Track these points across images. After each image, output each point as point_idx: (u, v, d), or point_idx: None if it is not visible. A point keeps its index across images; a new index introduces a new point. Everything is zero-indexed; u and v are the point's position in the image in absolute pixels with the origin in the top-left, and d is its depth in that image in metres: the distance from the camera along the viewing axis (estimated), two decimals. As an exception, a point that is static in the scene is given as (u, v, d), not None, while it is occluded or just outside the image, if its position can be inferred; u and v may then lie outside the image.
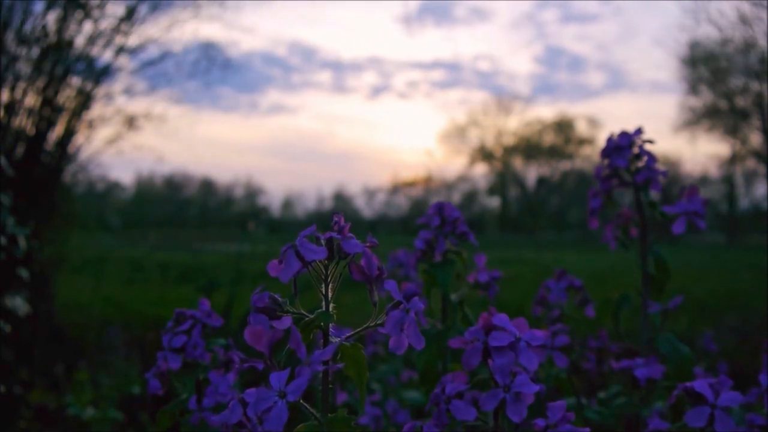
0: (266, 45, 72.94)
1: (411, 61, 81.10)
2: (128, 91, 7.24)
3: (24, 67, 6.09)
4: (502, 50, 74.08)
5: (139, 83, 7.52)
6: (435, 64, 77.01)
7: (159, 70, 7.48)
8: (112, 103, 7.02)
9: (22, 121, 6.06)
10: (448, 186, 48.80)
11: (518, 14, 75.96)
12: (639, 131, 1.59)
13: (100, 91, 6.79)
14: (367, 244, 0.94)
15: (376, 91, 76.00)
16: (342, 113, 76.56)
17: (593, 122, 47.46)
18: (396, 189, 50.54)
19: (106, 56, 6.67)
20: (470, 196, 49.07)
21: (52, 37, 6.12)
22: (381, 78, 76.41)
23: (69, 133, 6.49)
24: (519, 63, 73.54)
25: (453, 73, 73.60)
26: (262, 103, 76.86)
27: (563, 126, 46.86)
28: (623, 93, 70.99)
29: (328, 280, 0.94)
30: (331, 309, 0.94)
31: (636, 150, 1.58)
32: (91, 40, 6.39)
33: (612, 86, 71.88)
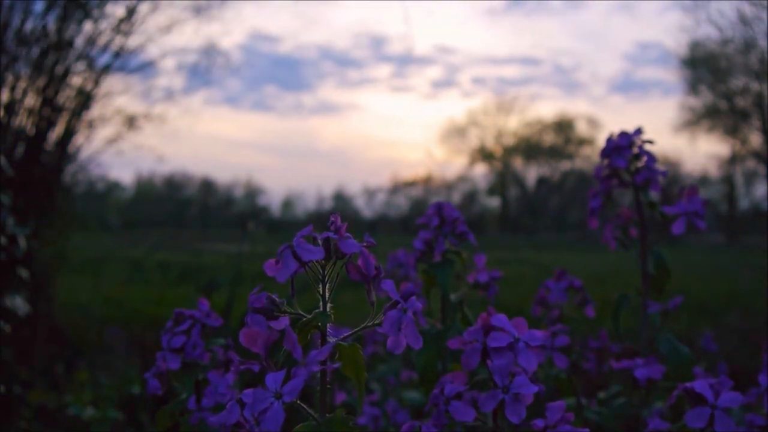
0: (328, 37, 67.80)
1: (483, 55, 73.75)
2: (129, 90, 7.25)
3: (24, 67, 6.10)
4: (588, 44, 69.50)
5: (139, 84, 7.51)
6: (509, 60, 70.12)
7: (157, 70, 7.48)
8: (116, 103, 7.02)
9: (22, 121, 6.06)
10: (448, 186, 48.84)
11: (613, 5, 69.10)
12: (638, 131, 1.59)
13: (101, 90, 6.79)
14: (365, 244, 0.94)
15: (437, 85, 70.92)
16: (397, 112, 72.50)
17: (593, 122, 47.51)
18: (396, 189, 50.56)
19: (106, 56, 6.67)
20: (470, 196, 49.06)
21: (52, 37, 6.12)
22: (446, 73, 70.87)
23: (69, 133, 6.48)
24: (605, 58, 69.00)
25: (529, 69, 67.93)
26: (307, 102, 72.54)
27: (563, 126, 46.89)
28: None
29: (326, 280, 0.94)
30: (328, 309, 0.94)
31: (636, 150, 1.58)
32: (91, 40, 6.39)
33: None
